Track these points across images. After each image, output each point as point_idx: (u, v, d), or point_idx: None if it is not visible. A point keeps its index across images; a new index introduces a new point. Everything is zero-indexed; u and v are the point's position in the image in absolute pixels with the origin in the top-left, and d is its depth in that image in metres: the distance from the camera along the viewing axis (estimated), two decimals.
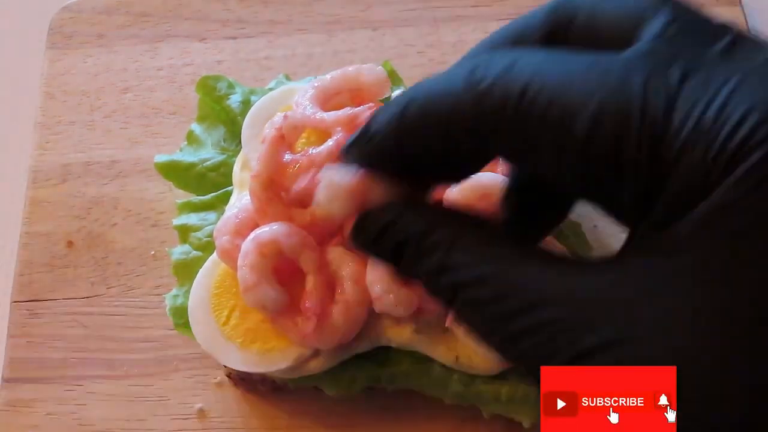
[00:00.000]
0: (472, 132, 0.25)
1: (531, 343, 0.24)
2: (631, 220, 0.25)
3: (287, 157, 0.43)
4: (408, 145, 0.26)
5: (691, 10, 0.26)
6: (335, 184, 0.28)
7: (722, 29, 0.25)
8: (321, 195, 0.29)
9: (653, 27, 0.25)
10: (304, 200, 0.42)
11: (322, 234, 0.43)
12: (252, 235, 0.42)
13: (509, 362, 0.26)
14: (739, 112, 0.22)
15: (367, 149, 0.27)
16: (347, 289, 0.42)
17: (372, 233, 0.28)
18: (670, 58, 0.24)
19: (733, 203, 0.21)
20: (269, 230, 0.42)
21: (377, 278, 0.42)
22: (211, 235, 0.47)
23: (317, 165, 0.42)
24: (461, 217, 0.27)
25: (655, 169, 0.23)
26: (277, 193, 0.42)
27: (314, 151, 0.43)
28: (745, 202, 0.21)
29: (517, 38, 0.28)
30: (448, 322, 0.42)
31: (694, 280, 0.22)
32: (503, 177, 0.42)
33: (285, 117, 0.44)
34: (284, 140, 0.43)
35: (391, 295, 0.41)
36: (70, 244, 0.54)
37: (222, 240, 0.44)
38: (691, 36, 0.25)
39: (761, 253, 0.21)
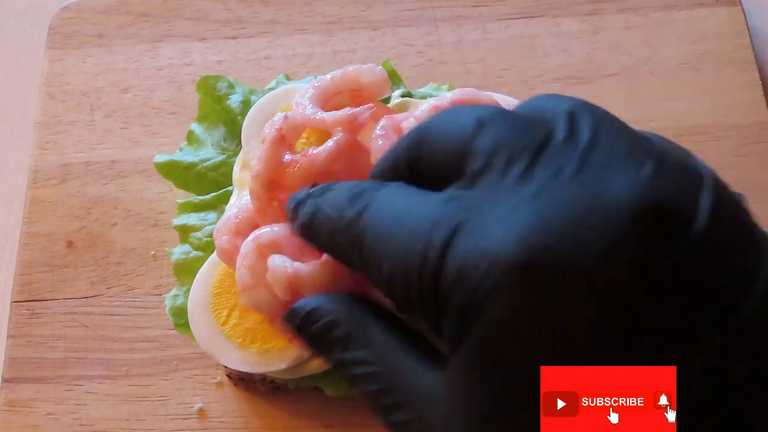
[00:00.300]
0: (339, 249, 0.33)
1: (405, 429, 0.30)
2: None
3: (287, 157, 0.43)
4: (314, 243, 0.35)
5: (505, 123, 0.29)
6: (277, 273, 0.38)
7: (524, 145, 0.28)
8: (269, 278, 0.38)
9: (471, 161, 0.29)
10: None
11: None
12: (252, 235, 0.42)
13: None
14: (487, 263, 0.26)
15: (293, 226, 0.36)
16: None
17: (296, 322, 0.34)
18: (460, 206, 0.28)
19: (469, 361, 0.27)
20: (269, 231, 0.42)
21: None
22: (211, 235, 0.47)
23: (317, 165, 0.42)
24: (362, 311, 0.33)
25: (436, 309, 0.28)
26: (277, 193, 0.42)
27: (314, 151, 0.43)
28: (478, 361, 0.27)
29: (394, 161, 0.34)
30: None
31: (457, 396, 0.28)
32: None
33: (285, 117, 0.44)
34: (284, 140, 0.43)
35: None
36: (70, 244, 0.54)
37: (222, 240, 0.44)
38: (495, 165, 0.28)
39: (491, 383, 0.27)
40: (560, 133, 0.28)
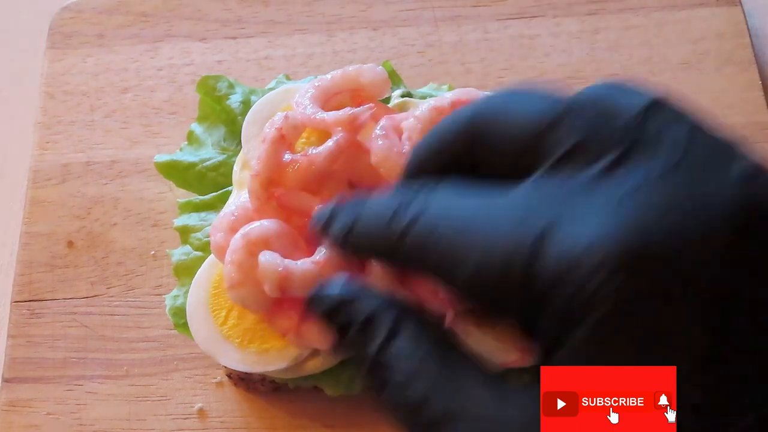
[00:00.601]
0: (395, 259, 0.31)
1: None
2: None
3: (287, 156, 0.43)
4: (353, 252, 0.34)
5: (589, 113, 0.28)
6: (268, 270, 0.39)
7: (614, 138, 0.27)
8: (260, 275, 0.39)
9: (549, 151, 0.28)
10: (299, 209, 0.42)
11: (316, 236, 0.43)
12: (242, 231, 0.42)
13: None
14: (592, 261, 0.24)
15: (328, 240, 0.34)
16: None
17: (327, 305, 0.31)
18: (546, 199, 0.27)
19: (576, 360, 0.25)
20: (259, 227, 0.42)
21: (375, 281, 0.42)
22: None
23: (317, 165, 0.42)
24: (404, 310, 0.30)
25: (529, 308, 0.26)
26: (277, 193, 0.42)
27: (314, 151, 0.43)
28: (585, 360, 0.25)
29: (441, 151, 0.32)
30: (447, 323, 0.42)
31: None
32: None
33: (285, 117, 0.44)
34: (284, 140, 0.43)
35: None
36: (70, 244, 0.54)
37: (217, 237, 0.44)
38: (578, 156, 0.27)
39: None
40: (651, 129, 0.27)
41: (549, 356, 0.26)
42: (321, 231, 0.34)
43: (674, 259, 0.24)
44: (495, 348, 0.42)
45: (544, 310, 0.26)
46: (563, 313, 0.25)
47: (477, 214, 0.28)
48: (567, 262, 0.25)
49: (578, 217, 0.25)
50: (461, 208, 0.28)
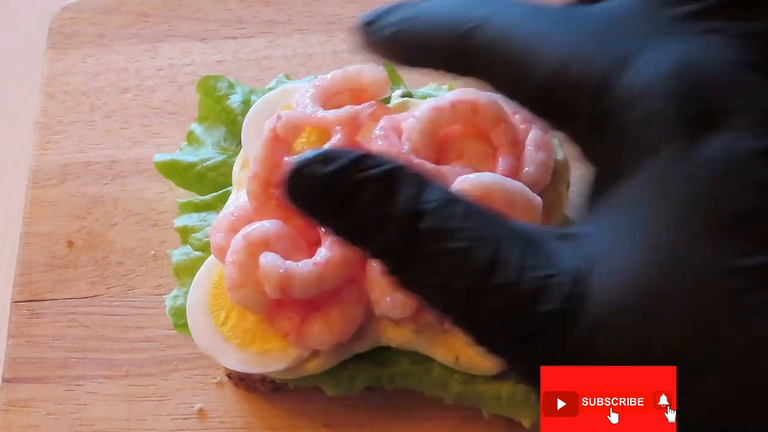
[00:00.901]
0: (457, 60, 0.28)
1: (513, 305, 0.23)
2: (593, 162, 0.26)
3: (286, 158, 0.43)
4: (405, 49, 0.30)
5: None
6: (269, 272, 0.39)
7: None
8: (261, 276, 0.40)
9: None
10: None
11: (316, 237, 0.43)
12: (242, 231, 0.42)
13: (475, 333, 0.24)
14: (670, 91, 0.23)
15: (374, 38, 0.30)
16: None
17: (334, 167, 0.23)
18: (634, 19, 0.26)
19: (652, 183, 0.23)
20: (260, 228, 0.42)
21: (375, 281, 0.42)
22: None
23: None
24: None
25: (595, 125, 0.25)
26: (276, 193, 0.42)
27: None
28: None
29: None
30: (448, 323, 0.42)
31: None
32: (504, 177, 0.42)
33: (278, 117, 0.44)
34: (279, 140, 0.43)
35: (388, 299, 0.41)
36: (70, 244, 0.54)
37: (217, 237, 0.44)
38: None
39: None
40: None
41: (611, 183, 0.25)
42: (365, 26, 0.30)
43: None
44: None
45: (615, 128, 0.24)
46: (636, 138, 0.24)
47: (555, 25, 0.27)
48: (649, 84, 0.24)
49: (662, 49, 0.25)
50: (538, 16, 0.27)
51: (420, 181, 0.24)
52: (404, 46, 0.29)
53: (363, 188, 0.23)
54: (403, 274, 0.24)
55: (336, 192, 0.24)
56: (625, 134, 0.24)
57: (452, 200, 0.23)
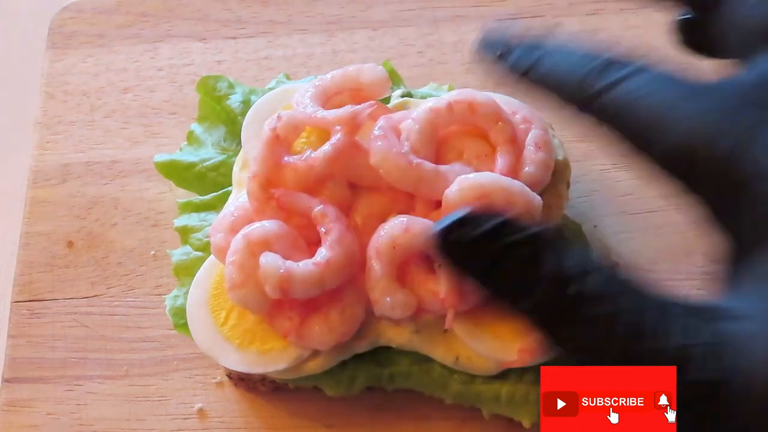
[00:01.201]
0: (588, 109, 0.29)
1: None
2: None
3: (286, 159, 0.43)
4: (535, 90, 0.31)
5: None
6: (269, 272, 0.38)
7: None
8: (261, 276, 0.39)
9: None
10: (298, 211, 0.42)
11: (316, 237, 0.43)
12: (242, 231, 0.42)
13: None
14: None
15: (510, 74, 0.32)
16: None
17: (477, 231, 0.26)
18: (759, 98, 0.27)
19: None
20: (260, 228, 0.42)
21: (375, 282, 0.42)
22: None
23: (315, 169, 0.42)
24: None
25: (726, 193, 0.26)
26: (275, 193, 0.42)
27: (312, 154, 0.43)
28: None
29: None
30: (448, 323, 0.42)
31: None
32: (503, 177, 0.42)
33: (278, 117, 0.44)
34: (279, 140, 0.43)
35: (388, 299, 0.41)
36: (70, 244, 0.54)
37: (217, 237, 0.44)
38: None
39: None
40: None
41: (749, 251, 0.25)
42: (494, 59, 0.32)
43: None
44: (495, 348, 0.42)
45: (748, 200, 0.25)
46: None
47: (687, 94, 0.28)
48: None
49: None
50: (673, 85, 0.28)
51: (561, 245, 0.26)
52: (535, 86, 0.31)
53: (512, 251, 0.26)
54: (554, 335, 0.25)
55: (487, 253, 0.26)
56: (758, 206, 0.25)
57: (594, 267, 0.25)
